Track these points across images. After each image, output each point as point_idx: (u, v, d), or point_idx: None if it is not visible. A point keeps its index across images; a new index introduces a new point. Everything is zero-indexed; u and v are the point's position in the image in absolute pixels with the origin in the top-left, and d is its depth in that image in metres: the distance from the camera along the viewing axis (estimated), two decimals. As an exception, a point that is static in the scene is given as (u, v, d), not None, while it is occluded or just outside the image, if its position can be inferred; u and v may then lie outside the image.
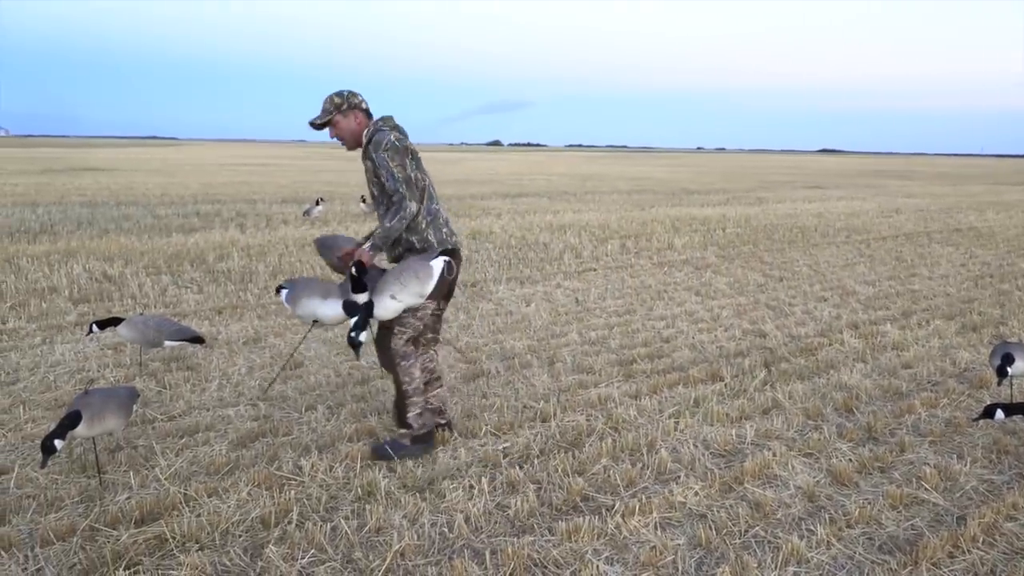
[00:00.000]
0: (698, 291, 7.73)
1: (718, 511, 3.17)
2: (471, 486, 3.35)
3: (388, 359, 3.73)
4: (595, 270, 8.93)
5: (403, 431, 3.69)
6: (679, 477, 3.48)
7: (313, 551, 2.83)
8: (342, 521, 3.02)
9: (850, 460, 3.67)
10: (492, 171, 38.66)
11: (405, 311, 3.58)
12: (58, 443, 3.01)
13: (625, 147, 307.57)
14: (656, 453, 3.69)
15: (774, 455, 3.69)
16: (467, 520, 3.06)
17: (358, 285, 3.63)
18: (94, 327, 4.57)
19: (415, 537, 2.93)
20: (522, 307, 6.88)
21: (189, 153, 62.84)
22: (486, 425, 4.02)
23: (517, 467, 3.55)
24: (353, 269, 3.61)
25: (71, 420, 3.09)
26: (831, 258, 10.10)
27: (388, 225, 3.55)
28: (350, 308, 3.80)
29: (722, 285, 8.03)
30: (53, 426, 3.30)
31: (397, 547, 2.83)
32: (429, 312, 3.68)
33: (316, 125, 3.71)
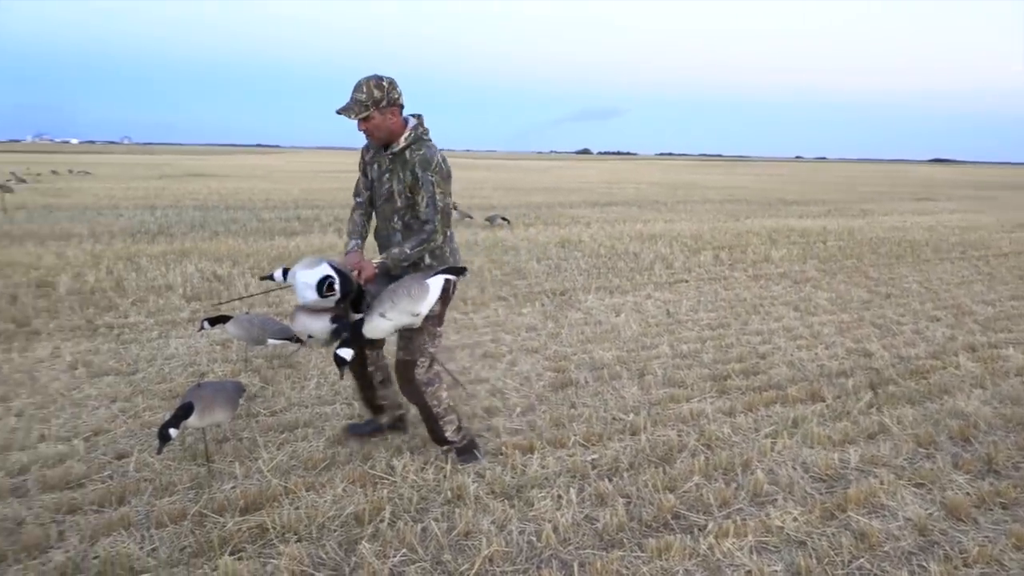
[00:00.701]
0: (797, 306, 7.44)
1: (819, 539, 3.03)
2: (559, 496, 3.34)
3: (412, 391, 3.56)
4: (687, 281, 8.74)
5: (444, 448, 3.69)
6: (776, 500, 3.35)
7: (404, 551, 2.89)
8: (432, 523, 3.07)
9: (967, 493, 3.42)
10: (581, 179, 38.57)
11: (424, 337, 3.47)
12: (172, 432, 3.19)
13: (719, 156, 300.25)
14: (752, 474, 3.56)
15: (881, 483, 3.49)
16: (555, 530, 3.04)
17: (358, 303, 3.51)
18: (205, 324, 4.84)
19: (503, 544, 2.94)
20: (611, 317, 6.81)
21: (291, 160, 65.85)
22: (574, 435, 4.00)
23: (606, 479, 3.51)
24: (362, 281, 3.44)
25: (184, 411, 3.27)
26: (944, 275, 9.50)
27: (408, 251, 3.38)
28: (340, 325, 3.51)
29: (823, 300, 7.70)
30: (168, 416, 3.52)
31: (486, 552, 2.85)
32: (440, 334, 3.55)
33: (351, 116, 3.31)
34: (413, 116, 3.45)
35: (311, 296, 3.40)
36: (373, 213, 3.64)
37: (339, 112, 3.29)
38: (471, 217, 14.54)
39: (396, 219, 3.47)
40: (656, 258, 10.26)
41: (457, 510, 3.19)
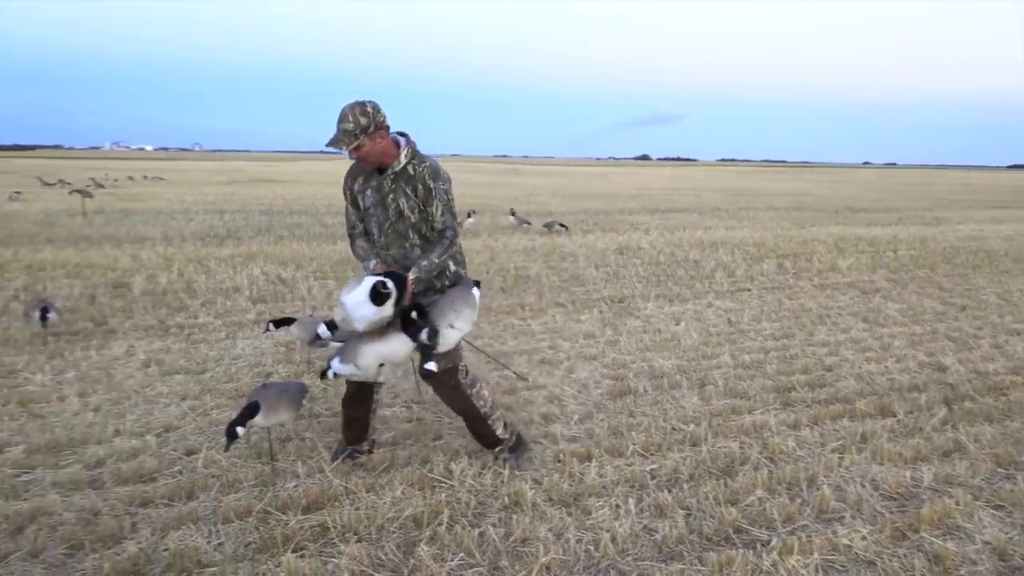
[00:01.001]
0: (865, 317, 7.18)
1: (889, 559, 2.90)
2: (617, 506, 3.30)
3: (457, 396, 3.58)
4: (749, 290, 8.55)
5: (497, 450, 3.70)
6: (843, 518, 3.23)
7: (462, 555, 2.90)
8: (490, 528, 3.07)
9: (1051, 517, 3.24)
10: (640, 185, 38.21)
11: (459, 343, 3.46)
12: (239, 430, 3.29)
13: (783, 162, 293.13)
14: (817, 489, 3.44)
15: (957, 504, 3.33)
16: (613, 540, 3.01)
17: (415, 324, 3.37)
18: (270, 325, 4.97)
19: (560, 552, 2.92)
20: (671, 325, 6.71)
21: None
22: (633, 444, 3.94)
23: (665, 490, 3.45)
24: (414, 313, 3.36)
25: (251, 410, 3.37)
26: (1024, 287, 9.03)
27: (436, 261, 3.40)
28: (420, 334, 3.38)
29: (893, 312, 7.41)
30: (235, 415, 3.62)
31: (543, 560, 2.84)
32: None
33: (341, 148, 3.31)
34: (399, 134, 3.45)
35: (368, 311, 3.23)
36: (373, 239, 3.56)
37: (329, 145, 3.29)
38: (529, 224, 14.56)
39: (412, 234, 3.44)
40: (717, 266, 10.07)
41: (514, 516, 3.19)
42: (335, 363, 3.43)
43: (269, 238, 12.38)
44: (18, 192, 21.18)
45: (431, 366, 3.31)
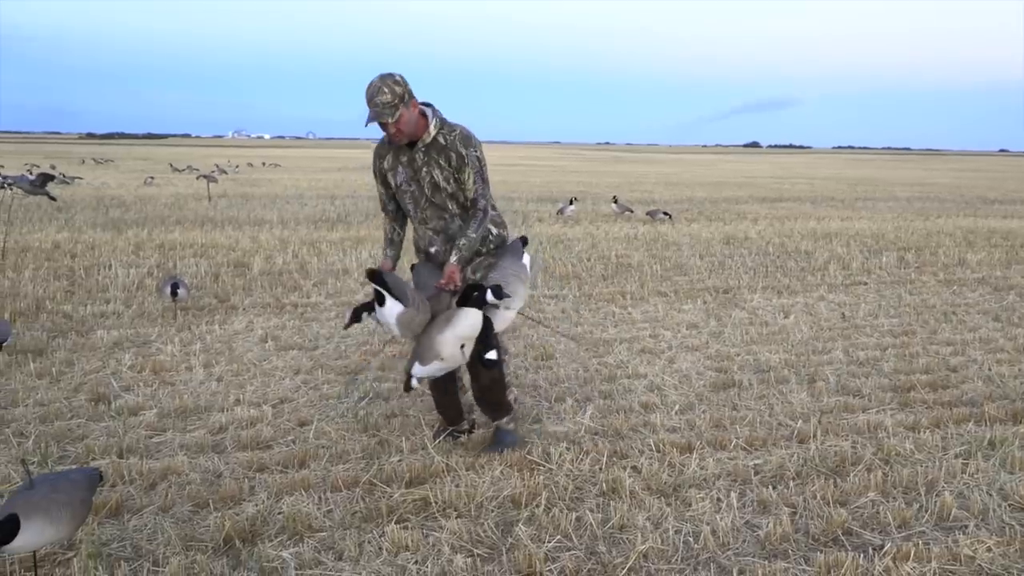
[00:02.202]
0: (997, 315, 6.65)
1: (1019, 574, 2.69)
2: (719, 499, 3.22)
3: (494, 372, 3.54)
4: (866, 284, 8.09)
5: (506, 418, 3.66)
6: (967, 527, 3.02)
7: (559, 537, 2.91)
8: (587, 513, 3.07)
9: None
10: (749, 173, 36.86)
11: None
12: (365, 316, 3.43)
13: (907, 149, 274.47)
14: (938, 495, 3.23)
15: (1100, 520, 3.04)
16: (714, 533, 2.94)
17: (476, 292, 3.29)
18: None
19: (659, 541, 2.88)
20: (779, 318, 6.45)
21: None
22: (736, 438, 3.83)
23: (770, 487, 3.33)
24: (476, 293, 3.26)
25: (372, 305, 3.36)
26: None
27: (474, 236, 3.35)
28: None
29: (1030, 311, 6.82)
30: (364, 302, 3.58)
31: (641, 548, 2.81)
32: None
33: (387, 120, 3.21)
34: (423, 104, 3.36)
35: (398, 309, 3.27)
36: (407, 218, 3.60)
37: (370, 123, 3.22)
38: (632, 212, 14.36)
39: (451, 205, 3.42)
40: (831, 258, 9.58)
41: (612, 503, 3.17)
42: (416, 369, 3.35)
43: (376, 222, 12.80)
44: (152, 177, 22.90)
45: (492, 355, 3.31)
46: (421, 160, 3.37)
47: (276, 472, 3.47)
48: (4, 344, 4.86)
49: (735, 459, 3.62)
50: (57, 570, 2.67)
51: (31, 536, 2.40)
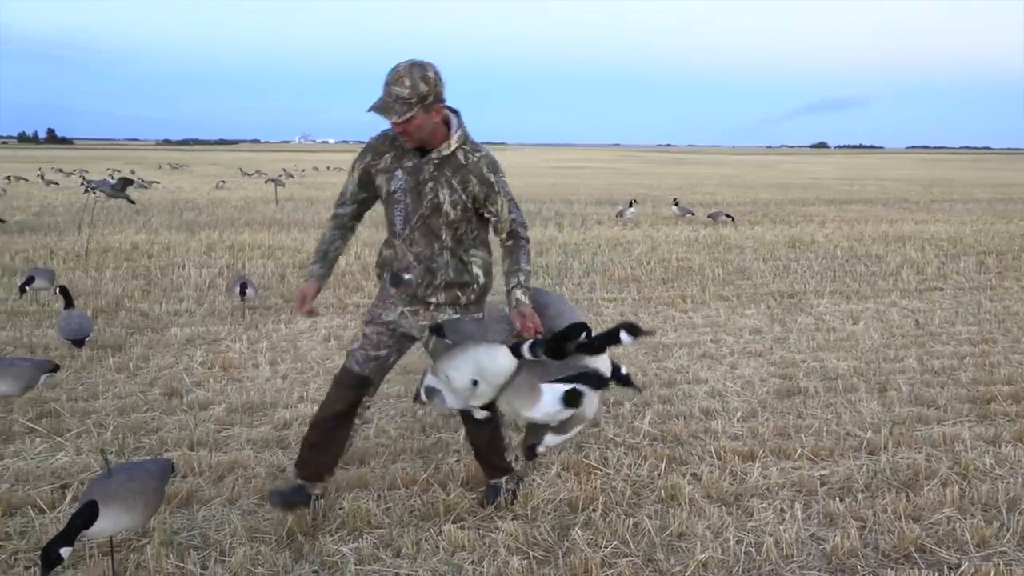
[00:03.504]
0: (1087, 324, 6.26)
1: (1111, 601, 2.53)
2: (782, 509, 3.13)
3: (490, 432, 3.16)
4: (942, 289, 7.74)
5: (505, 478, 3.21)
6: (1053, 548, 2.85)
7: (616, 543, 2.88)
8: (645, 519, 3.02)
9: None
10: (815, 175, 35.80)
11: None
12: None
13: (987, 149, 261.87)
14: (1020, 514, 3.07)
15: None
16: (777, 544, 2.86)
17: (592, 347, 2.80)
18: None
19: (719, 551, 2.82)
20: (848, 324, 6.23)
21: (515, 157, 68.65)
22: (801, 447, 3.72)
23: (836, 499, 3.22)
24: (583, 335, 2.77)
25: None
26: None
27: (529, 268, 2.90)
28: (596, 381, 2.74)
29: (1124, 320, 6.40)
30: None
31: (700, 557, 2.76)
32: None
33: (391, 118, 2.66)
34: (449, 110, 2.81)
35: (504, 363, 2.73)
36: (352, 230, 3.05)
37: (373, 111, 2.66)
38: (693, 214, 14.12)
39: (445, 234, 2.83)
40: (904, 262, 9.21)
41: (671, 510, 3.12)
42: (427, 379, 2.88)
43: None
44: (223, 181, 23.74)
45: (481, 413, 2.94)
46: (429, 172, 2.79)
47: (337, 469, 3.53)
48: (86, 340, 5.11)
49: (800, 469, 3.51)
50: (132, 556, 2.79)
51: (108, 522, 2.51)
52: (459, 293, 2.91)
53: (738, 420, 4.10)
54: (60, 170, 29.47)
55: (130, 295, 7.08)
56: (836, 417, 4.16)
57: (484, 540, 2.91)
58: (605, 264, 8.96)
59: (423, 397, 2.95)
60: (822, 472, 3.48)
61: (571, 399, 2.66)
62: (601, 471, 3.47)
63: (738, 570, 2.73)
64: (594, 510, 3.11)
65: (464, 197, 2.80)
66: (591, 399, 2.74)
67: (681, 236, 11.53)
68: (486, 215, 2.88)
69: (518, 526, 2.97)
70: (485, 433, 3.13)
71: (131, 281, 7.73)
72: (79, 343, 5.08)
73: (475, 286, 2.94)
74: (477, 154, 2.81)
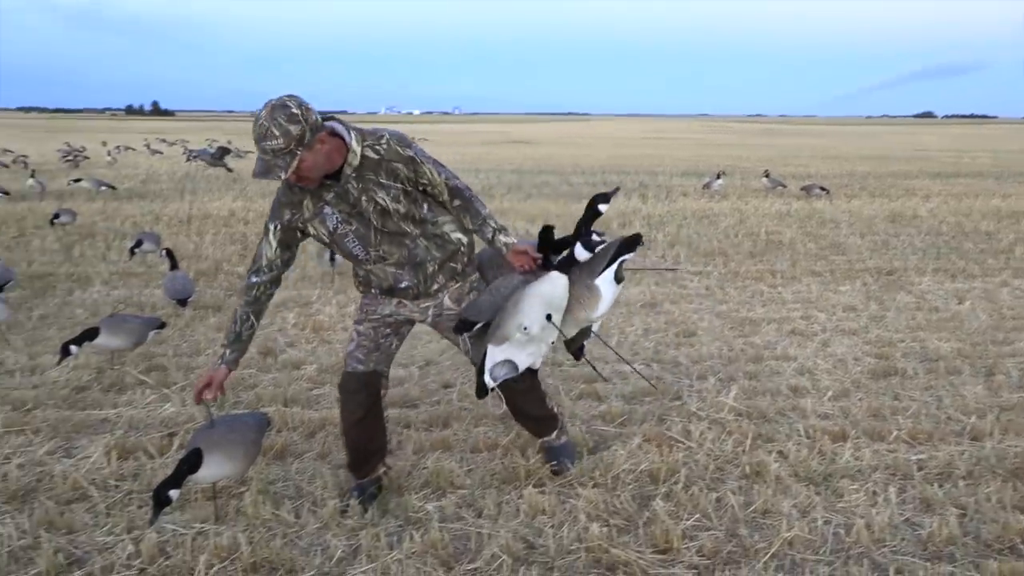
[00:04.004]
0: None
1: None
2: (875, 492, 3.01)
3: (531, 396, 3.13)
4: (1060, 269, 7.19)
5: (554, 433, 3.20)
6: None
7: (698, 515, 2.85)
8: (728, 494, 2.97)
9: None
10: (919, 146, 33.71)
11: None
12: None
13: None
14: None
15: None
16: (868, 527, 2.76)
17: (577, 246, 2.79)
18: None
19: (805, 530, 2.74)
20: (952, 304, 5.88)
21: (599, 128, 67.69)
22: (897, 430, 3.56)
23: (935, 484, 3.07)
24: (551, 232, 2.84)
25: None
26: None
27: (487, 210, 2.81)
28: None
29: None
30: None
31: (786, 535, 2.69)
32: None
33: (281, 177, 2.51)
34: (330, 121, 2.64)
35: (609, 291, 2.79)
36: (269, 300, 2.91)
37: (258, 177, 2.54)
38: (784, 186, 13.58)
39: (409, 227, 2.72)
40: (1017, 239, 8.59)
41: (755, 486, 3.06)
42: (492, 356, 2.80)
43: (519, 195, 12.96)
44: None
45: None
46: (356, 189, 2.64)
47: (421, 429, 3.63)
48: (189, 300, 5.41)
49: (895, 452, 3.36)
50: (232, 502, 2.96)
51: (211, 469, 2.68)
52: (453, 264, 2.84)
53: (829, 399, 3.96)
54: (164, 140, 31.08)
55: (228, 259, 7.44)
56: (936, 400, 3.95)
57: (564, 506, 2.94)
58: (690, 237, 8.75)
59: (491, 383, 2.81)
60: (919, 456, 3.32)
61: (619, 275, 2.75)
62: (683, 444, 3.43)
63: (826, 550, 2.66)
64: (676, 482, 3.08)
65: (400, 185, 2.67)
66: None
67: (771, 209, 11.13)
68: (422, 189, 2.74)
69: (598, 494, 2.98)
70: (523, 384, 3.00)
71: (228, 246, 8.11)
72: (183, 302, 5.39)
73: (462, 248, 2.86)
74: (382, 141, 2.66)
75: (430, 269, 2.80)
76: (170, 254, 5.69)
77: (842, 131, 64.01)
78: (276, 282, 2.88)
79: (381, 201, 2.66)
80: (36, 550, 2.64)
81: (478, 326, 2.79)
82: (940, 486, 3.06)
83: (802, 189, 13.10)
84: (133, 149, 24.69)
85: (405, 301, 2.87)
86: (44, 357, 4.55)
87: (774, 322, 5.38)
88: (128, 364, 4.43)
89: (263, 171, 2.51)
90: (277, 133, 2.44)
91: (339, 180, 2.63)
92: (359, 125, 2.72)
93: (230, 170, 11.59)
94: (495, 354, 2.79)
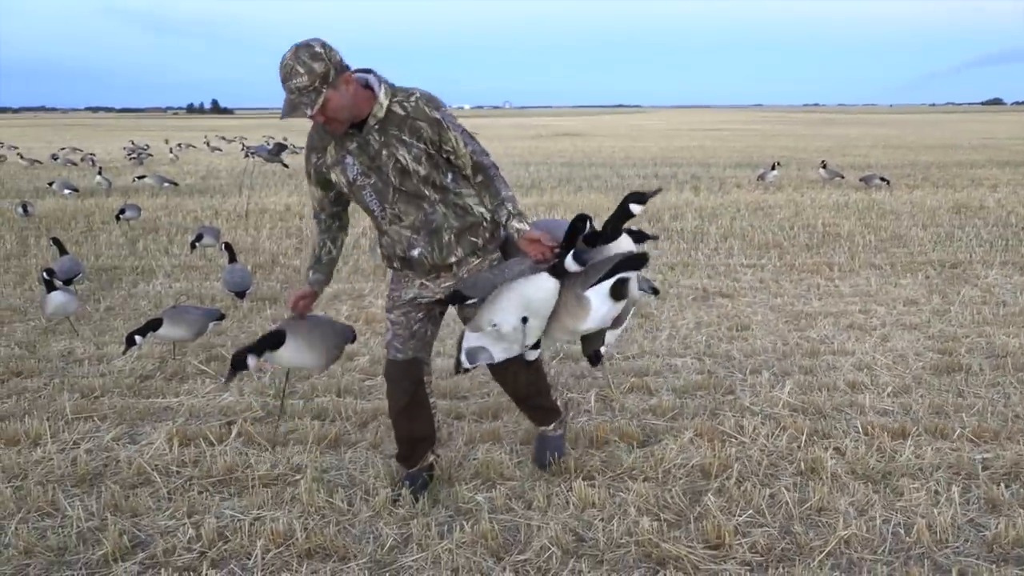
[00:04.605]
0: None
1: None
2: (937, 492, 2.92)
3: (539, 367, 3.11)
4: None
5: (553, 424, 3.20)
6: None
7: (751, 511, 2.81)
8: (783, 491, 2.92)
9: None
10: (987, 134, 32.29)
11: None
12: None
13: None
14: None
15: None
16: (930, 527, 2.67)
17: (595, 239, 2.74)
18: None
19: (863, 528, 2.68)
20: (1021, 298, 5.64)
21: (651, 119, 66.86)
22: (961, 428, 3.43)
23: (1001, 484, 2.96)
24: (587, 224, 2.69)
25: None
26: None
27: (510, 192, 2.77)
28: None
29: None
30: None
31: (842, 533, 2.63)
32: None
33: (306, 114, 2.51)
34: (362, 71, 2.65)
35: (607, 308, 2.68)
36: (344, 231, 2.98)
37: (286, 116, 2.53)
38: (842, 177, 13.19)
39: (428, 191, 2.68)
40: (1094, 231, 8.17)
41: (810, 483, 2.99)
42: (468, 340, 2.79)
43: (569, 188, 12.91)
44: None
45: (532, 354, 2.88)
46: (377, 142, 2.63)
47: (472, 421, 3.67)
48: (247, 292, 5.57)
49: (958, 450, 3.25)
50: (288, 489, 3.04)
51: (291, 352, 2.94)
52: (473, 238, 2.77)
53: (888, 395, 3.84)
54: (223, 137, 31.95)
55: (284, 252, 7.62)
56: (1004, 398, 3.80)
57: (614, 499, 2.93)
58: (744, 229, 8.59)
59: (466, 363, 2.80)
60: (985, 455, 3.20)
61: (618, 291, 2.58)
62: (736, 439, 3.37)
63: (884, 550, 2.59)
64: (728, 478, 3.04)
65: (423, 146, 2.63)
66: (633, 282, 2.69)
67: (829, 201, 10.83)
68: (446, 157, 2.69)
69: (648, 488, 2.96)
70: (528, 375, 3.02)
71: (285, 240, 8.31)
72: (241, 295, 5.55)
73: (485, 223, 2.79)
74: (412, 98, 2.62)
75: (446, 238, 2.73)
76: (229, 247, 5.86)
77: (904, 120, 61.80)
78: (337, 217, 2.94)
79: (402, 159, 2.63)
80: (103, 531, 2.76)
81: (470, 302, 2.74)
82: (1007, 487, 2.95)
83: (861, 180, 12.71)
84: (194, 146, 25.45)
85: (427, 282, 2.83)
86: (111, 347, 4.75)
87: (831, 316, 5.25)
88: (189, 354, 4.59)
89: (290, 109, 2.52)
90: (302, 70, 2.46)
91: (362, 131, 2.64)
92: (394, 83, 2.68)
93: (286, 166, 11.86)
94: (470, 339, 2.79)
